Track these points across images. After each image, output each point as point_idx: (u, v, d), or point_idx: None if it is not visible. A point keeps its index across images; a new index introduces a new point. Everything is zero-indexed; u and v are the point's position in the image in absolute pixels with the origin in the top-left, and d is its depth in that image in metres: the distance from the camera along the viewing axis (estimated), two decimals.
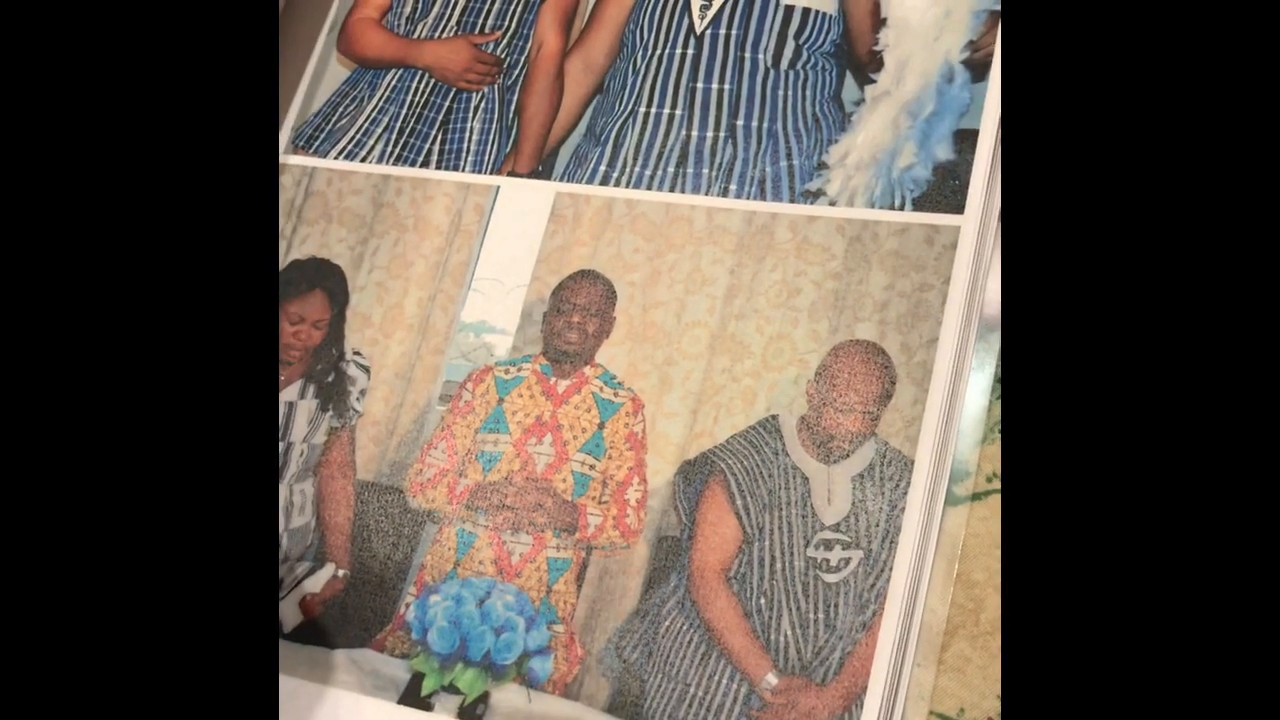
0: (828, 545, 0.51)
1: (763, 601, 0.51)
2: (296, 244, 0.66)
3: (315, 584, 0.57)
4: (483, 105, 0.66)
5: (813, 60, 0.60)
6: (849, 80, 0.60)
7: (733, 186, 0.59)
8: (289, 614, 0.57)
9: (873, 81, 0.58)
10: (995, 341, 0.52)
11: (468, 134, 0.66)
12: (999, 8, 0.57)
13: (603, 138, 0.63)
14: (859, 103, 0.59)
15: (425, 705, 0.54)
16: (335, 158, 0.68)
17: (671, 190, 0.60)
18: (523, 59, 0.66)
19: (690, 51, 0.62)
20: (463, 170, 0.65)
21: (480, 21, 0.68)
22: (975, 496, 0.50)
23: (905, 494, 0.50)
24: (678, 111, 0.61)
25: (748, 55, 0.61)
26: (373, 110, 0.68)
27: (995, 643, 0.48)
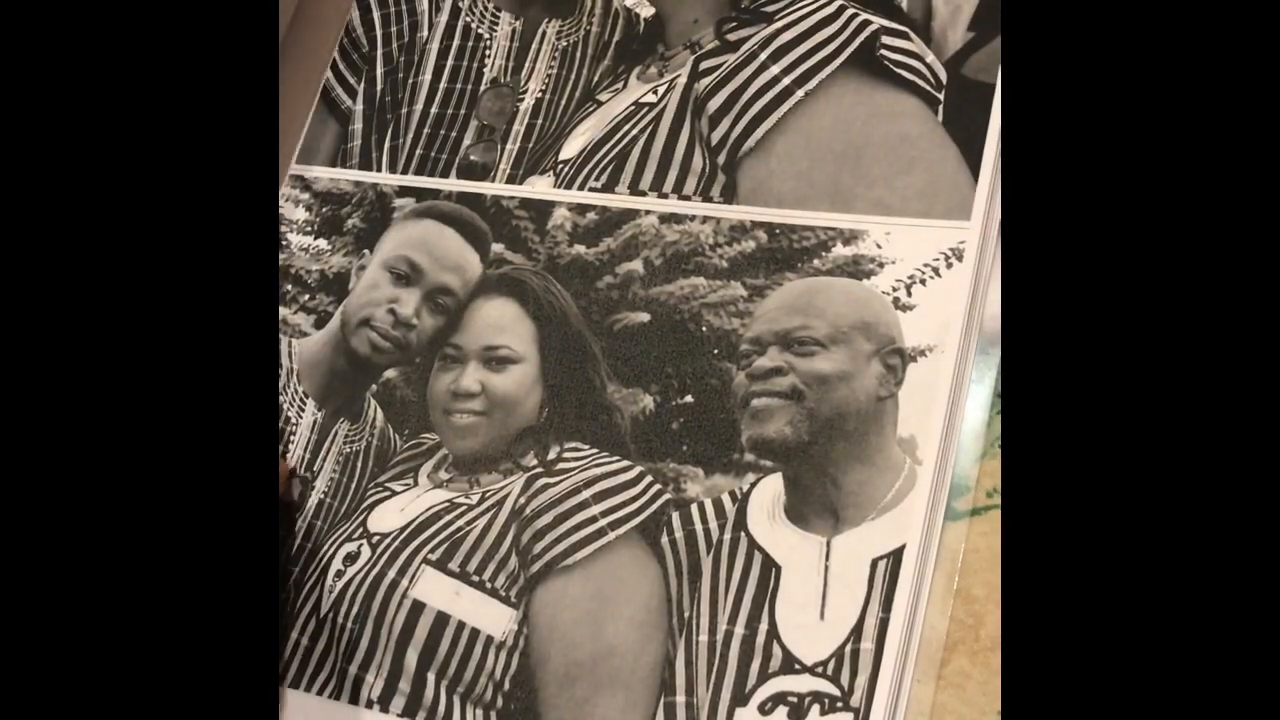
0: None
1: None
2: None
3: None
4: None
5: None
6: None
7: None
8: None
9: None
10: (995, 355, 0.52)
11: None
12: None
13: None
14: None
15: None
16: None
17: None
18: None
19: None
20: None
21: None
22: (975, 512, 0.50)
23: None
24: None
25: None
26: None
27: (995, 659, 0.47)
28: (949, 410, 0.51)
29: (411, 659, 0.54)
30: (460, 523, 0.56)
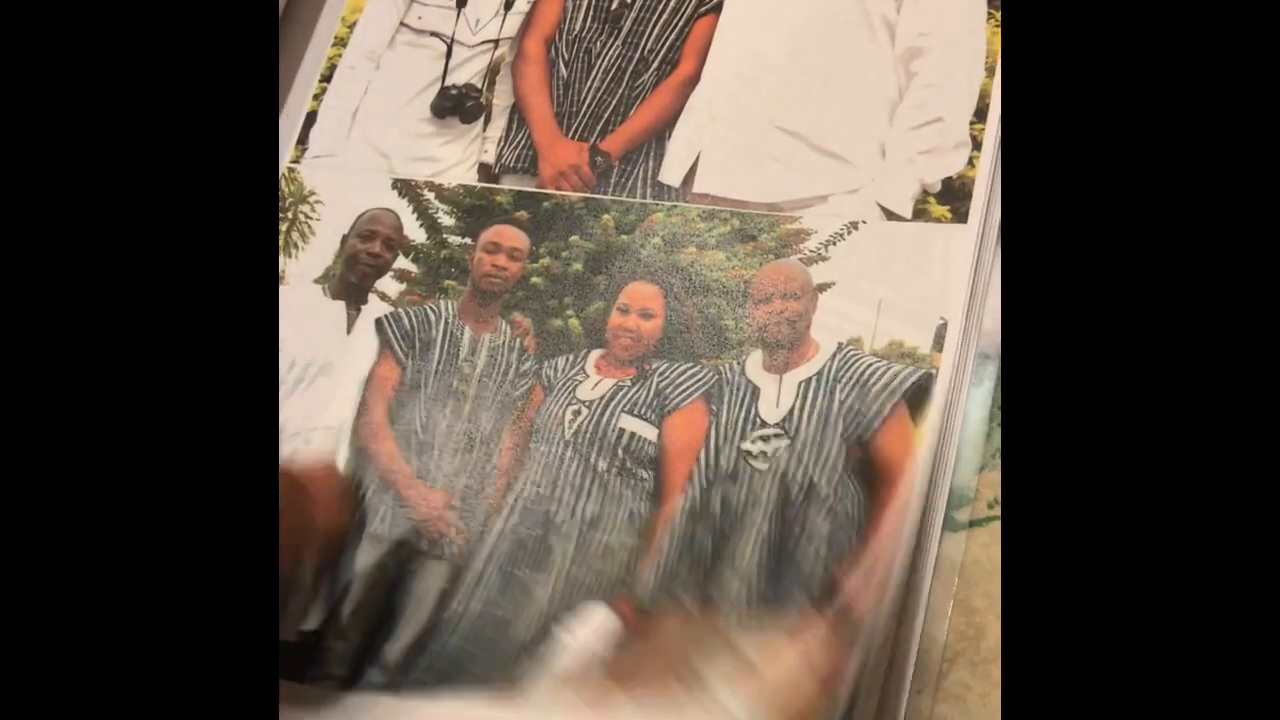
0: None
1: None
2: None
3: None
4: None
5: None
6: None
7: None
8: None
9: None
10: (993, 364, 0.52)
11: None
12: None
13: None
14: None
15: None
16: None
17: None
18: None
19: None
20: None
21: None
22: (974, 523, 0.50)
23: None
24: None
25: None
26: None
27: (996, 670, 0.48)
28: (944, 419, 0.51)
29: None
30: None
